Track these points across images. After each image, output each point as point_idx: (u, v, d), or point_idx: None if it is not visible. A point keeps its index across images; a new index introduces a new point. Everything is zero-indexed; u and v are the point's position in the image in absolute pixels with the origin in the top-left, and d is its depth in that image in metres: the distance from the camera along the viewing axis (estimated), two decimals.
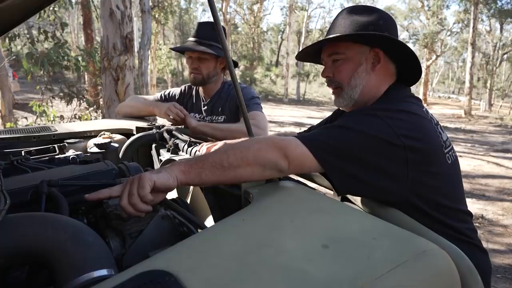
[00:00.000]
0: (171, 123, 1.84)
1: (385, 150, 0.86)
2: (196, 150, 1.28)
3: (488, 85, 22.37)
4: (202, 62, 1.85)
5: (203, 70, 1.86)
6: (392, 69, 1.07)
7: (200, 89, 1.98)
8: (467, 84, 16.18)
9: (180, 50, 1.94)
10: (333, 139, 0.87)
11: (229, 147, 0.88)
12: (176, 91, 2.07)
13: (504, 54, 25.42)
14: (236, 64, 2.00)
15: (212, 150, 1.06)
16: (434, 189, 0.92)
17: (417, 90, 21.62)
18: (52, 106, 5.74)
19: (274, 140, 0.89)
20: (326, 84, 1.14)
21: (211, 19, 1.06)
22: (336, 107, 1.29)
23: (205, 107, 1.95)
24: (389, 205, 0.90)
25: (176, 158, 1.26)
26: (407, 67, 1.06)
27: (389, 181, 0.87)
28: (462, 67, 37.57)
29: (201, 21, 2.12)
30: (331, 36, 1.05)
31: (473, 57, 16.35)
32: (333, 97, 1.12)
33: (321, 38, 1.19)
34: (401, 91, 1.05)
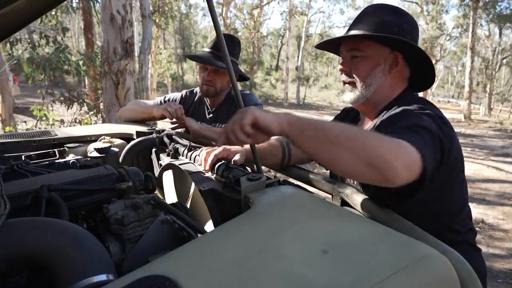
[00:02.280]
0: (172, 125, 1.84)
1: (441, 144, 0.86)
2: (196, 155, 1.28)
3: (487, 89, 22.44)
4: (217, 75, 1.83)
5: (217, 83, 1.85)
6: (406, 74, 1.08)
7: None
8: (466, 89, 16.20)
9: (199, 62, 1.88)
10: (429, 143, 0.82)
11: (354, 129, 0.78)
12: (176, 96, 2.06)
13: (503, 58, 25.54)
14: (247, 79, 2.00)
15: (244, 147, 1.08)
16: (449, 193, 0.96)
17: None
18: (52, 110, 5.75)
19: (405, 145, 0.75)
20: (340, 76, 1.13)
21: (212, 23, 1.07)
22: (342, 107, 1.30)
23: (210, 115, 1.95)
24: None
25: (176, 163, 1.26)
26: (420, 74, 1.07)
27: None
28: (462, 72, 37.67)
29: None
30: (352, 33, 1.05)
31: (472, 62, 16.40)
32: (345, 89, 1.11)
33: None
34: (414, 96, 1.07)
